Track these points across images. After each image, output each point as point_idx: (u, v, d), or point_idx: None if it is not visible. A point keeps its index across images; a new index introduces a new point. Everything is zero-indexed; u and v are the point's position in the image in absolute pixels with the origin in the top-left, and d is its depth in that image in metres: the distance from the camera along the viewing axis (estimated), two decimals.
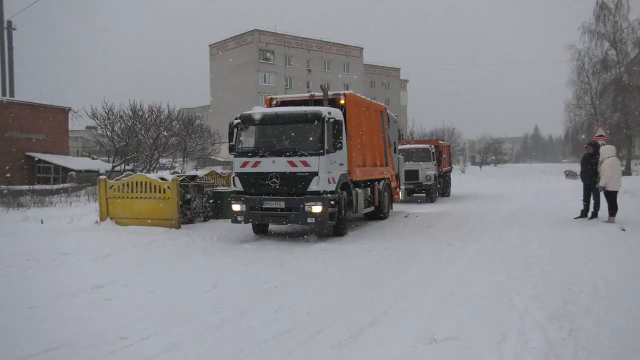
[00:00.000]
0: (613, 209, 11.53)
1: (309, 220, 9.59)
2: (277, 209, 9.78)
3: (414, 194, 19.99)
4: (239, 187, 10.19)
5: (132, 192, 11.46)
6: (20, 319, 5.35)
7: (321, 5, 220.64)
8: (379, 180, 13.10)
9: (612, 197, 11.53)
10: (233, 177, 10.36)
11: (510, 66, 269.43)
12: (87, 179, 24.90)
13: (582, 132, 41.57)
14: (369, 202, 12.43)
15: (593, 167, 12.08)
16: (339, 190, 10.10)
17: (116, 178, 12.44)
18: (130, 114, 25.34)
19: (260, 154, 9.98)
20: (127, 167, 24.18)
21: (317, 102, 11.15)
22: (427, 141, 23.92)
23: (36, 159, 27.13)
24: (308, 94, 11.72)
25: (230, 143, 10.40)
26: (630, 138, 39.62)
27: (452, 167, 26.04)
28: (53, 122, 28.89)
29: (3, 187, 20.02)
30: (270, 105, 11.71)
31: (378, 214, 13.11)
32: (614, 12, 39.61)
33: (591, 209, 12.28)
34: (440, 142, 23.53)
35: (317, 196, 9.58)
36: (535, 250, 8.53)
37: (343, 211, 10.37)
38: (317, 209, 9.53)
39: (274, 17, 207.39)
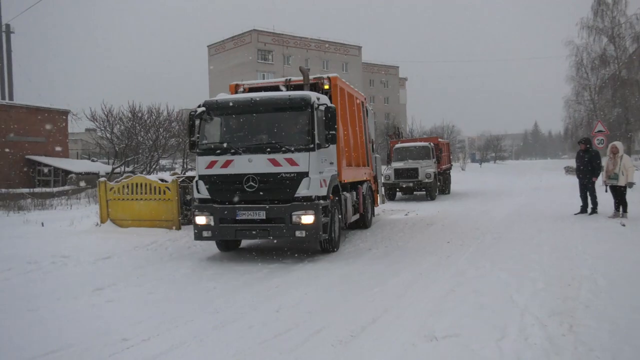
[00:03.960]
0: (625, 204, 11.49)
1: (298, 234, 7.79)
2: (256, 221, 7.91)
3: (414, 192, 20.01)
4: (204, 193, 8.21)
5: (132, 193, 11.46)
6: (21, 321, 5.37)
7: (319, 4, 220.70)
8: (361, 182, 11.44)
9: (624, 192, 11.49)
10: (196, 181, 8.34)
11: (509, 62, 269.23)
12: (87, 181, 24.93)
13: (581, 128, 41.56)
14: (355, 208, 10.69)
15: (586, 163, 12.18)
16: (330, 196, 8.41)
17: (116, 180, 12.45)
18: (130, 115, 25.33)
19: (233, 151, 8.05)
20: (127, 169, 24.18)
21: (296, 89, 9.25)
22: (426, 139, 23.97)
23: (36, 161, 27.15)
24: (283, 79, 9.84)
25: (192, 138, 8.43)
26: (629, 133, 39.58)
27: (452, 165, 26.09)
28: (52, 125, 28.92)
29: (3, 190, 20.04)
30: (236, 93, 9.81)
31: (362, 222, 11.37)
32: (612, 7, 39.62)
33: (590, 204, 12.31)
34: (439, 139, 23.58)
35: (307, 203, 7.82)
36: (536, 246, 8.55)
37: (336, 222, 8.77)
38: (307, 219, 7.75)
39: (272, 17, 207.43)
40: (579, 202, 12.61)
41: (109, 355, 4.35)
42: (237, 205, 8.00)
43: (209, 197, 8.20)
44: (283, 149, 7.90)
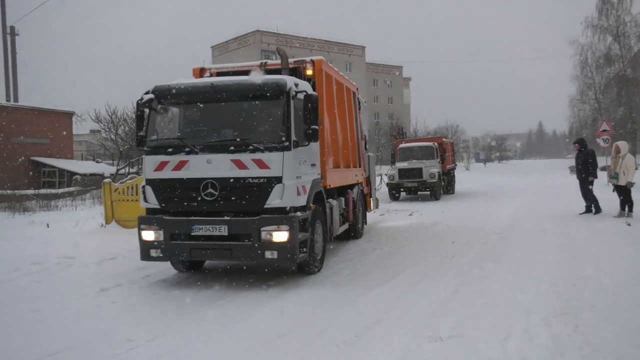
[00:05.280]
0: (632, 204, 11.43)
1: (268, 254, 6.27)
2: (216, 238, 6.39)
3: (418, 192, 20.00)
4: (153, 202, 6.67)
5: (136, 194, 11.47)
6: (26, 322, 5.39)
7: (323, 4, 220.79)
8: (351, 186, 9.93)
9: (628, 192, 11.44)
10: (143, 187, 6.78)
11: (513, 62, 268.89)
12: (92, 182, 25.02)
13: (586, 127, 41.46)
14: (344, 217, 9.23)
15: (582, 163, 12.24)
16: (311, 205, 6.96)
17: (121, 181, 12.48)
18: (134, 116, 25.44)
19: (188, 150, 6.52)
20: (131, 170, 24.27)
21: (272, 74, 7.43)
22: (430, 139, 23.92)
23: (41, 163, 27.28)
24: (258, 62, 8.23)
25: (140, 133, 6.86)
26: (635, 132, 39.42)
27: (456, 165, 26.04)
28: (57, 127, 29.05)
29: (8, 191, 20.12)
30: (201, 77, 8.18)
31: (352, 232, 9.94)
32: (616, 6, 39.50)
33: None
34: (443, 139, 23.53)
35: (280, 216, 6.31)
36: (540, 246, 8.52)
37: (319, 236, 7.27)
38: (280, 236, 6.25)
39: (276, 17, 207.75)
40: (583, 202, 12.57)
41: (114, 355, 4.37)
42: (193, 218, 6.49)
43: (159, 206, 6.69)
44: (250, 147, 6.37)
